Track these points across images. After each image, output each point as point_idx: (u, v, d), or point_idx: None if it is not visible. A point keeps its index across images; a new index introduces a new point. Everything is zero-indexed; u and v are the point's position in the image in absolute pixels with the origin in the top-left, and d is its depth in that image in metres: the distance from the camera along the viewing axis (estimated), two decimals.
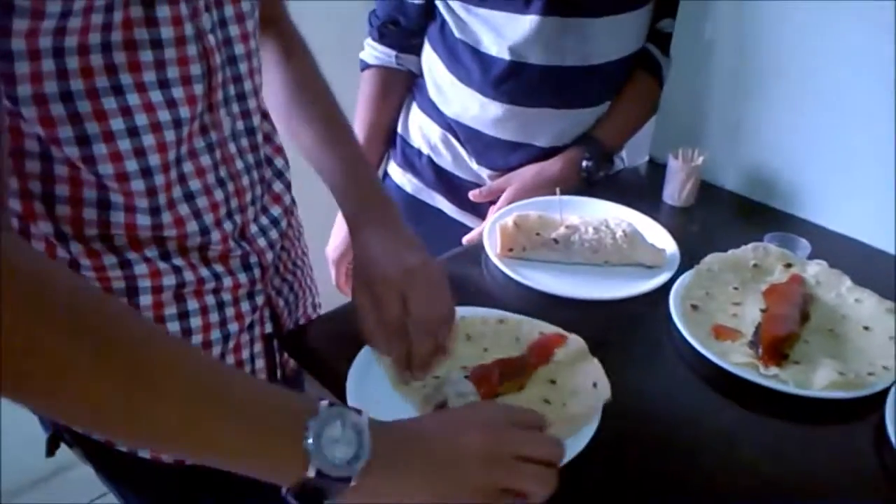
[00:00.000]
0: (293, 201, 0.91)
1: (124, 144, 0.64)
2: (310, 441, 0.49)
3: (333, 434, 0.50)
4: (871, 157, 1.01)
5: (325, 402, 0.51)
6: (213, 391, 0.50)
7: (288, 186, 0.85)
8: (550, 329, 0.83)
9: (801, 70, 1.04)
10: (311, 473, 0.49)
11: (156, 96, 0.64)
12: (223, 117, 0.72)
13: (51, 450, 0.80)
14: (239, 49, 0.72)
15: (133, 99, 0.63)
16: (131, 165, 0.65)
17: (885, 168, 1.00)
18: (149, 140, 0.65)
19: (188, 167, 0.69)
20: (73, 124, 0.61)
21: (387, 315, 0.73)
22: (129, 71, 0.62)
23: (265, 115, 0.83)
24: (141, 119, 0.64)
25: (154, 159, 0.66)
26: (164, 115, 0.65)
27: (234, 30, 0.71)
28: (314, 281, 0.98)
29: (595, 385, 0.76)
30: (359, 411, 0.52)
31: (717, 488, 0.69)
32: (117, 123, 0.63)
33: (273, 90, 0.88)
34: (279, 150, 0.85)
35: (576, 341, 0.81)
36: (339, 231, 1.34)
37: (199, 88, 0.67)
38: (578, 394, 0.75)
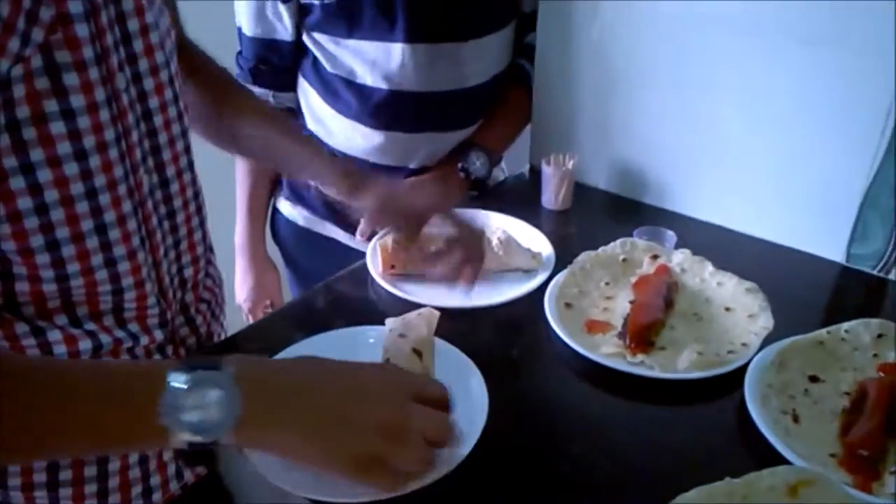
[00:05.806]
0: (209, 248, 0.88)
1: (31, 223, 0.61)
2: (164, 418, 0.49)
3: (192, 402, 0.49)
4: (730, 149, 1.07)
5: (176, 375, 0.50)
6: (58, 389, 0.49)
7: (204, 237, 0.82)
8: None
9: (661, 69, 1.10)
10: (178, 444, 0.49)
11: (70, 169, 0.61)
12: (142, 175, 0.69)
13: None
14: (154, 102, 0.70)
15: (44, 175, 0.60)
16: (36, 241, 0.62)
17: (740, 158, 1.06)
18: (58, 215, 0.62)
19: (114, 234, 0.67)
20: None
21: None
22: (40, 146, 0.59)
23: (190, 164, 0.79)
24: (51, 195, 0.61)
25: (63, 232, 0.63)
26: (77, 188, 0.62)
27: (148, 83, 0.68)
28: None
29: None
30: (217, 367, 0.50)
31: (587, 476, 0.71)
32: (24, 203, 0.60)
33: (195, 102, 0.85)
34: (197, 195, 0.81)
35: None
36: (244, 279, 1.34)
37: (113, 153, 0.64)
38: None
